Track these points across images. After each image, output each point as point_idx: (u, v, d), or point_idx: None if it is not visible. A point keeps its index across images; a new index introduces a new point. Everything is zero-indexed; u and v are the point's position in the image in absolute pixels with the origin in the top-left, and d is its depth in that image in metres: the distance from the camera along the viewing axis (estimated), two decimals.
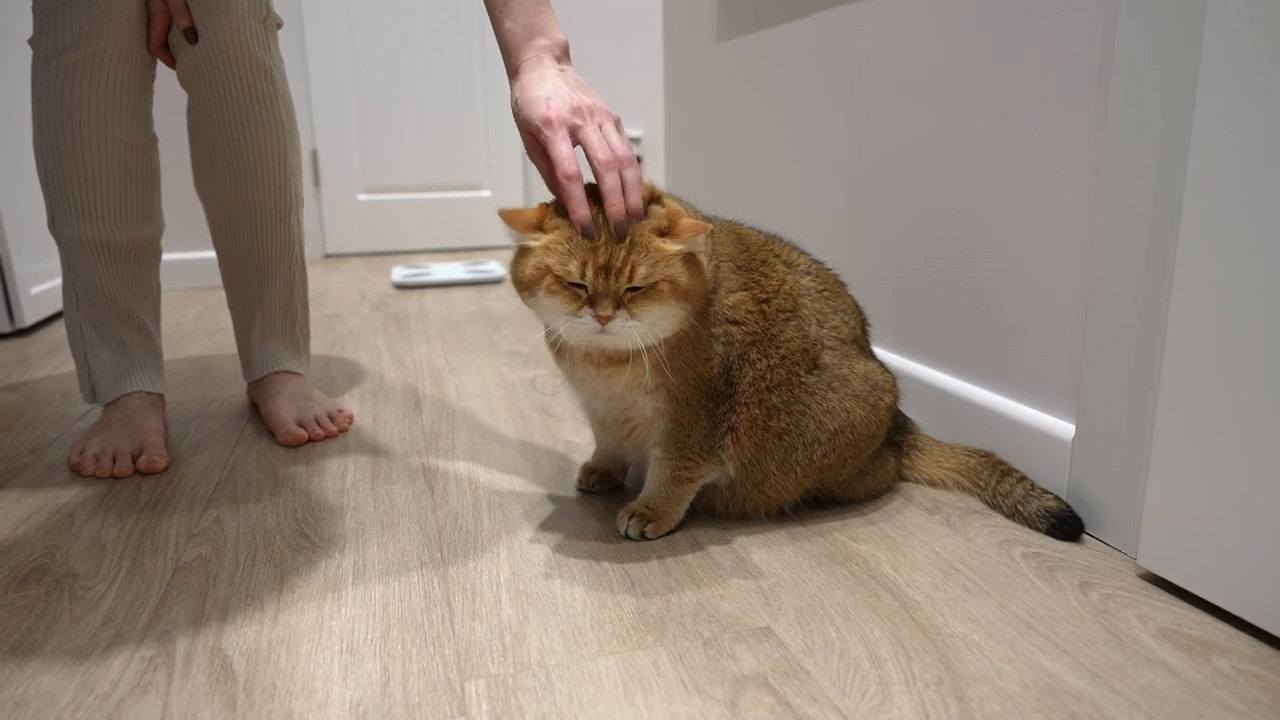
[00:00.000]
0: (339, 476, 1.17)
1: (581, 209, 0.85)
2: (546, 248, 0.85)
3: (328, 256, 3.31)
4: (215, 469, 1.21)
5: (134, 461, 1.20)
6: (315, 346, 1.91)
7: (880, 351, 1.33)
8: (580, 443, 1.29)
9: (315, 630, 0.81)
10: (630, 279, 0.83)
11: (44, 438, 1.36)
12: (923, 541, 0.97)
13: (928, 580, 0.88)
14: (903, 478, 1.13)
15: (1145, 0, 0.84)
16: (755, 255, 0.99)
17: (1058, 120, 1.00)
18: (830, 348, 1.00)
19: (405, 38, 3.22)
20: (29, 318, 2.09)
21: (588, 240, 0.84)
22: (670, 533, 0.99)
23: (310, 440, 1.31)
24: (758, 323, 0.95)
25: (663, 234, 0.85)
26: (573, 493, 1.11)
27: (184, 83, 1.27)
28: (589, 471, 1.12)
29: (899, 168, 1.29)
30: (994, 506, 1.04)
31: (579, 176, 0.86)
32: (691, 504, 1.00)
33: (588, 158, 0.87)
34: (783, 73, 1.60)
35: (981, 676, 0.72)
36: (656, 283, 0.84)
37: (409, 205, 3.36)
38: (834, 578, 0.89)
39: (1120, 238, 0.90)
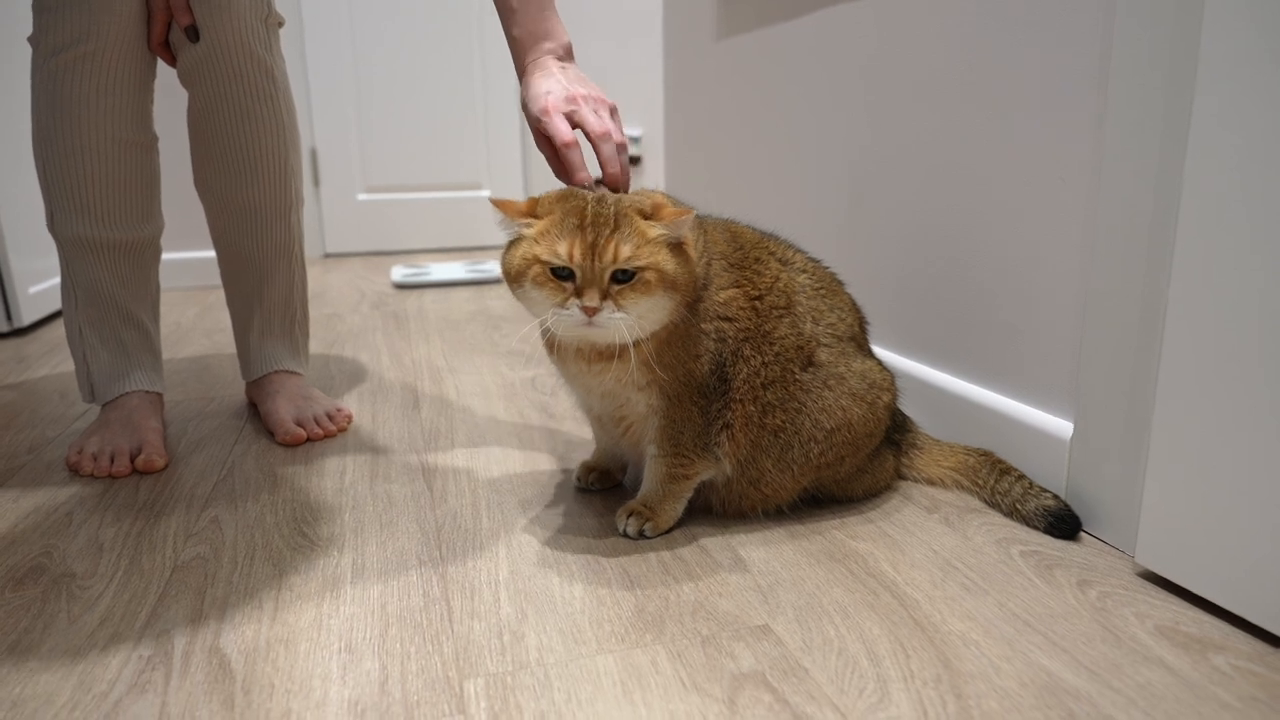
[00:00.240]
0: (338, 475, 1.17)
1: (581, 172, 0.92)
2: (535, 236, 0.86)
3: (327, 256, 3.31)
4: (214, 468, 1.21)
5: (132, 461, 1.20)
6: (314, 346, 1.91)
7: (880, 350, 1.33)
8: (579, 441, 1.29)
9: (314, 629, 0.81)
10: (615, 259, 0.83)
11: (42, 437, 1.36)
12: (921, 540, 0.97)
13: (926, 578, 0.88)
14: (901, 476, 1.13)
15: (1144, 0, 0.84)
16: (749, 253, 0.99)
17: (1057, 120, 1.00)
18: (826, 345, 1.00)
19: (405, 37, 3.22)
20: (27, 317, 2.09)
21: (570, 217, 0.85)
22: (668, 531, 0.99)
23: (309, 439, 1.31)
24: (750, 319, 0.95)
25: (647, 218, 0.87)
26: (571, 491, 1.11)
27: (184, 81, 1.27)
28: (588, 470, 1.12)
29: (899, 167, 1.29)
30: (992, 505, 1.04)
31: (577, 144, 0.92)
32: (690, 502, 1.00)
33: (585, 133, 0.93)
34: (783, 71, 1.60)
35: (979, 674, 0.72)
36: (643, 272, 0.84)
37: (409, 205, 3.36)
38: (832, 576, 0.89)
39: (1119, 237, 0.90)
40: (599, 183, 0.94)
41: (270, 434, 1.34)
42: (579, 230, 0.84)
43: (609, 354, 0.90)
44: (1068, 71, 0.98)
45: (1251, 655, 0.74)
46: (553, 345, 0.95)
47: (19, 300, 2.05)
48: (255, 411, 1.45)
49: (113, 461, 1.19)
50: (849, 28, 1.38)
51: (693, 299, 0.91)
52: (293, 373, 1.41)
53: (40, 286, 2.16)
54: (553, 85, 0.95)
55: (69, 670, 0.75)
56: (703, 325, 0.93)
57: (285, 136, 1.33)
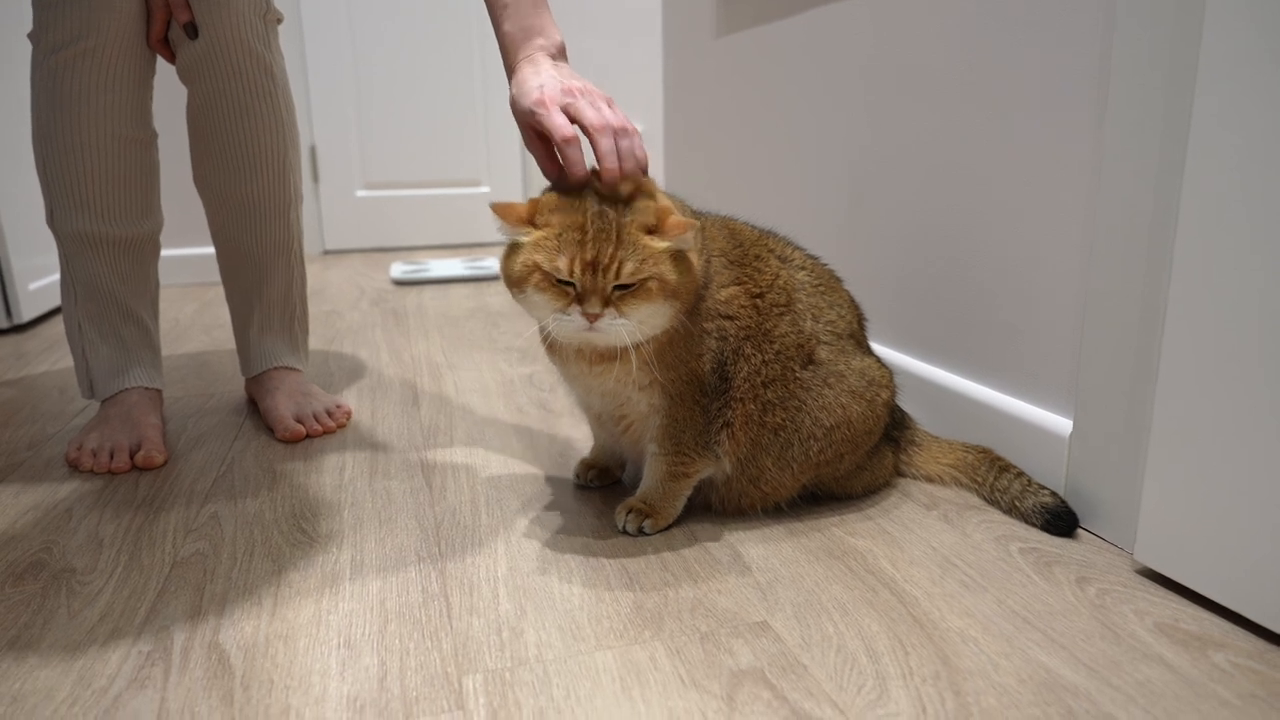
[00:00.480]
0: (337, 472, 1.17)
1: (580, 169, 0.87)
2: (535, 244, 0.85)
3: (326, 253, 3.31)
4: (213, 464, 1.21)
5: (132, 457, 1.20)
6: (314, 342, 1.91)
7: (880, 347, 1.33)
8: (578, 438, 1.29)
9: (313, 625, 0.81)
10: (618, 276, 0.83)
11: (42, 433, 1.36)
12: (920, 537, 0.97)
13: (925, 575, 0.88)
14: (900, 473, 1.13)
15: (1144, 0, 0.84)
16: (748, 250, 0.99)
17: (1057, 119, 1.00)
18: (826, 343, 1.00)
19: (405, 33, 3.22)
20: (27, 314, 2.09)
21: (570, 230, 0.84)
22: (668, 528, 0.99)
23: (308, 436, 1.31)
24: (751, 317, 0.95)
25: (650, 231, 0.85)
26: (570, 488, 1.11)
27: (183, 78, 1.27)
28: (587, 467, 1.12)
29: (899, 165, 1.29)
30: (992, 502, 1.05)
31: (576, 140, 0.88)
32: (689, 500, 1.00)
33: (583, 127, 0.88)
34: (783, 69, 1.60)
35: (978, 671, 0.72)
36: (645, 280, 0.83)
37: (408, 201, 3.36)
38: (831, 573, 0.89)
39: (1119, 235, 0.90)
40: (594, 173, 0.90)
41: (270, 430, 1.34)
42: (580, 245, 0.83)
43: (610, 355, 0.90)
44: (1068, 70, 0.97)
45: (1251, 653, 0.74)
46: (553, 346, 0.95)
47: (19, 297, 2.05)
48: (254, 408, 1.45)
49: (112, 457, 1.19)
50: (849, 26, 1.38)
51: (694, 303, 0.90)
52: (292, 369, 1.41)
53: (40, 283, 2.16)
54: (545, 79, 0.91)
55: (69, 665, 0.75)
56: (704, 324, 0.92)
57: (284, 133, 1.33)
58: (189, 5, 1.20)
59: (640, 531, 0.97)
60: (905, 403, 1.20)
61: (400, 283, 2.67)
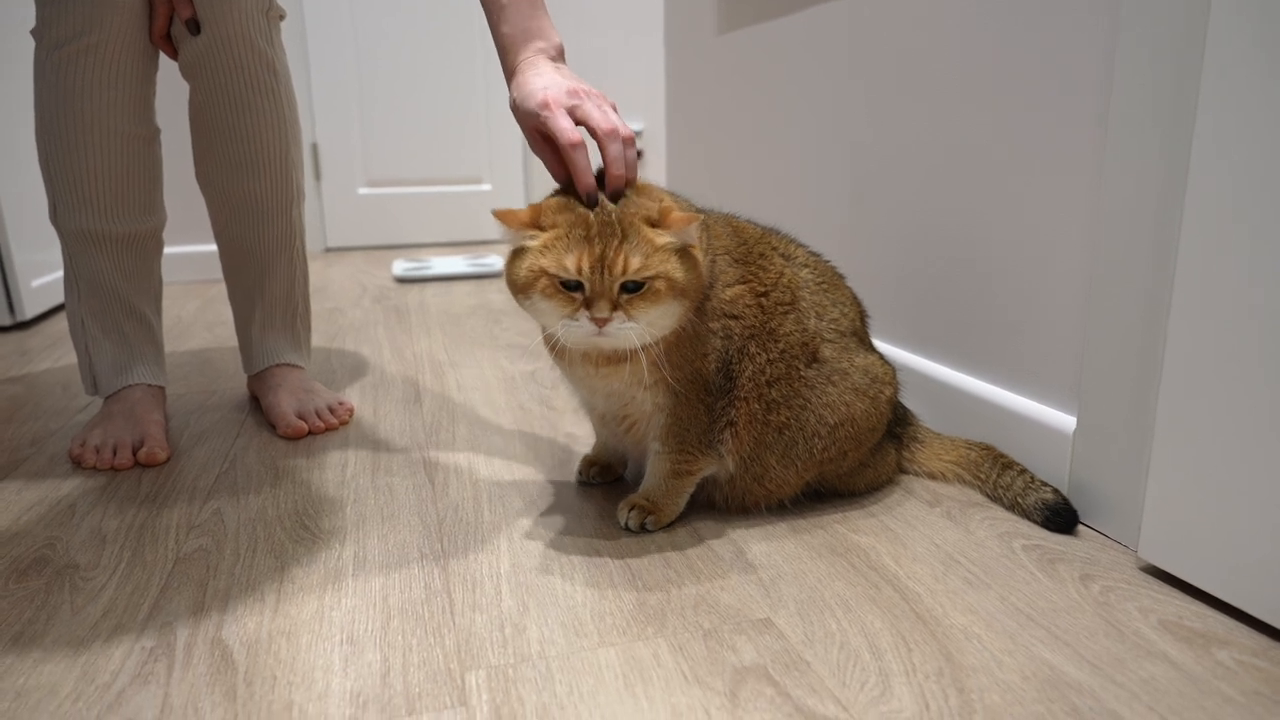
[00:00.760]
0: (339, 469, 1.18)
1: (587, 176, 0.87)
2: (541, 248, 0.84)
3: (328, 250, 3.31)
4: (216, 461, 1.21)
5: (135, 453, 1.20)
6: (316, 339, 1.91)
7: (883, 345, 1.33)
8: (580, 435, 1.29)
9: (316, 621, 0.81)
10: (625, 271, 0.82)
11: (45, 430, 1.36)
12: (923, 534, 0.97)
13: (928, 572, 0.88)
14: (903, 470, 1.13)
15: None
16: (752, 248, 0.98)
17: (1060, 114, 0.99)
18: (829, 340, 0.99)
19: (407, 31, 3.21)
20: (30, 311, 2.09)
21: (575, 229, 0.84)
22: (670, 525, 0.99)
23: (311, 433, 1.31)
24: (756, 316, 0.95)
25: (653, 225, 0.85)
26: (573, 485, 1.11)
27: (186, 74, 1.27)
28: (589, 464, 1.12)
29: (902, 161, 1.29)
30: (995, 499, 1.04)
31: (583, 144, 0.87)
32: (691, 497, 1.00)
33: (590, 130, 0.89)
34: (785, 66, 1.60)
35: (982, 668, 0.72)
36: (653, 281, 0.83)
37: (410, 199, 3.36)
38: (834, 570, 0.89)
39: (1123, 231, 0.89)
40: (599, 177, 0.90)
41: (272, 427, 1.34)
42: (586, 242, 0.83)
43: (618, 358, 0.90)
44: (1072, 65, 0.97)
45: (1255, 650, 0.74)
46: (558, 349, 0.94)
47: (21, 294, 2.06)
48: (257, 405, 1.45)
49: (115, 454, 1.19)
50: (851, 22, 1.37)
51: (701, 301, 0.90)
52: (294, 366, 1.41)
53: (43, 280, 2.16)
54: (549, 81, 0.91)
55: (72, 661, 0.75)
56: (710, 324, 0.92)
57: (287, 130, 1.33)
58: (191, 1, 1.19)
59: (643, 528, 0.97)
60: (909, 400, 1.20)
61: (402, 280, 2.67)
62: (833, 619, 0.80)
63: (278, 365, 1.39)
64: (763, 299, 0.96)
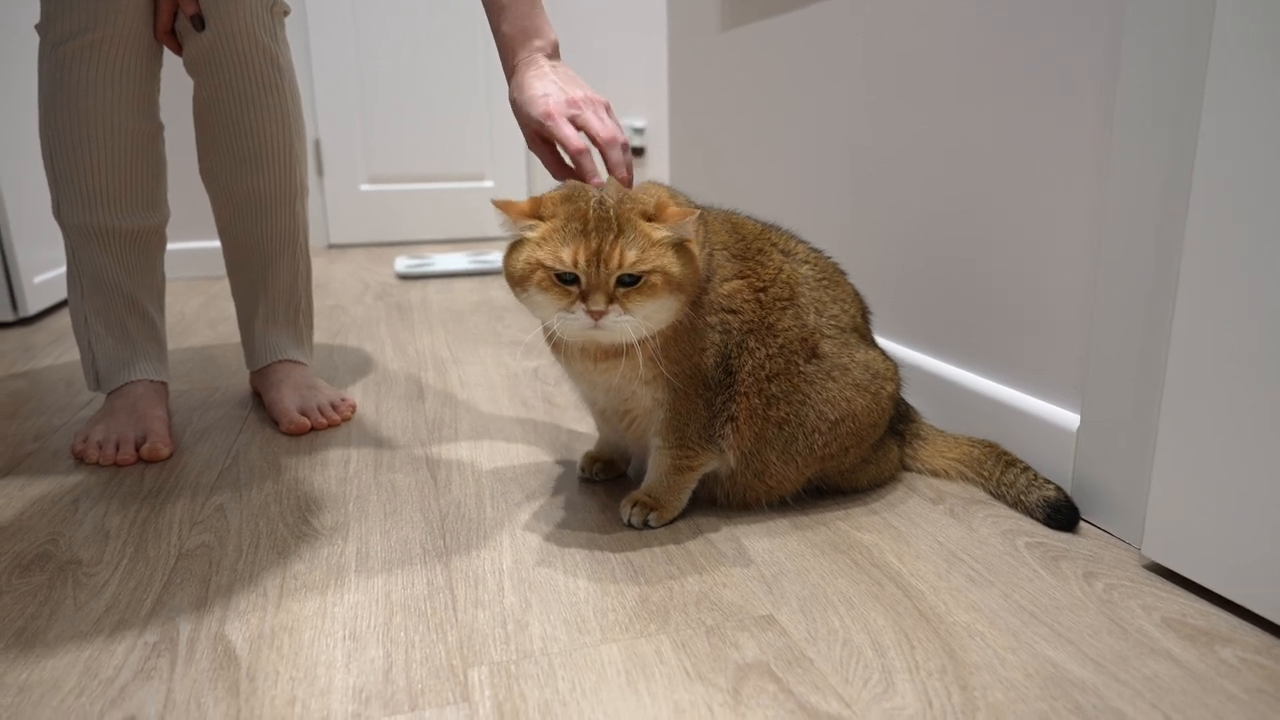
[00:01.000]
0: (342, 465, 1.18)
1: (595, 178, 0.90)
2: (539, 240, 0.85)
3: (331, 247, 3.31)
4: (218, 457, 1.21)
5: (137, 449, 1.20)
6: (318, 336, 1.91)
7: (886, 342, 1.33)
8: (583, 431, 1.29)
9: (318, 617, 0.81)
10: (621, 265, 0.83)
11: (48, 425, 1.36)
12: (926, 531, 0.96)
13: (931, 570, 0.88)
14: (906, 467, 1.13)
15: None
16: (751, 244, 0.98)
17: (1065, 112, 0.99)
18: (829, 336, 0.99)
19: (409, 27, 3.21)
20: (33, 306, 2.09)
21: (573, 221, 0.85)
22: (673, 521, 0.99)
23: (313, 429, 1.31)
24: (754, 311, 0.95)
25: (649, 219, 0.86)
26: (575, 481, 1.11)
27: (190, 70, 1.27)
28: (592, 460, 1.12)
29: (906, 157, 1.28)
30: (998, 497, 1.04)
31: (588, 151, 0.91)
32: (693, 494, 1.00)
33: (591, 137, 0.92)
34: (788, 62, 1.60)
35: (985, 665, 0.72)
36: (649, 275, 0.84)
37: (412, 196, 3.36)
38: (837, 566, 0.89)
39: (1128, 227, 0.89)
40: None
41: (274, 423, 1.34)
42: (582, 235, 0.84)
43: (615, 352, 0.90)
44: (1077, 61, 0.97)
45: (1259, 648, 0.74)
46: (558, 344, 0.94)
47: (25, 289, 2.06)
48: (259, 401, 1.45)
49: (118, 450, 1.19)
50: (855, 19, 1.37)
51: (697, 295, 0.90)
52: (297, 362, 1.41)
53: (46, 276, 2.16)
54: (549, 87, 0.94)
55: (75, 656, 0.75)
56: (708, 318, 0.92)
57: (290, 125, 1.33)
58: None
59: (645, 525, 0.97)
60: (912, 397, 1.20)
61: (404, 277, 2.67)
62: (835, 616, 0.80)
63: (280, 361, 1.39)
64: (761, 294, 0.96)
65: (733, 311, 0.94)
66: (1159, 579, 0.86)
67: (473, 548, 0.94)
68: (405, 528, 0.99)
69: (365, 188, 3.30)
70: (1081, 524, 0.98)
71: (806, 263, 1.03)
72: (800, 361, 0.97)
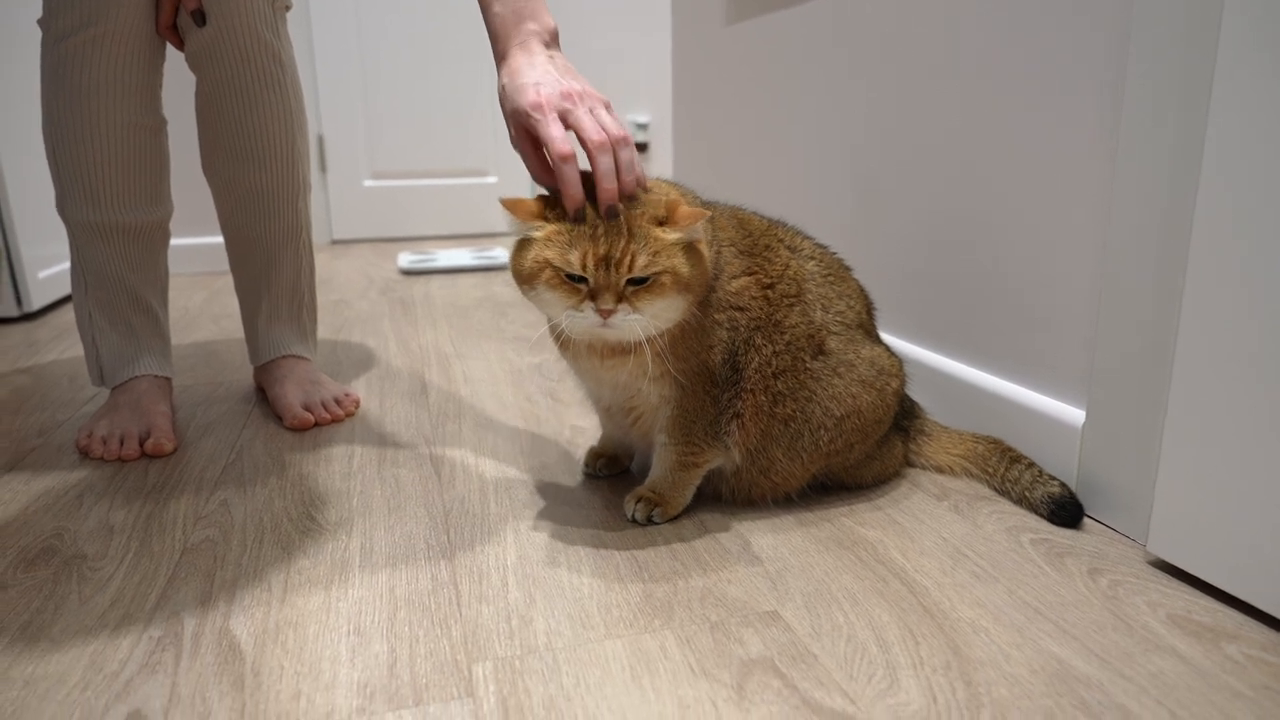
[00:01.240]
0: (346, 460, 1.18)
1: (576, 191, 0.84)
2: (546, 240, 0.84)
3: (334, 242, 3.31)
4: (222, 452, 1.21)
5: (141, 444, 1.20)
6: (322, 331, 1.91)
7: (891, 338, 1.33)
8: (587, 427, 1.28)
9: (323, 612, 0.81)
10: (630, 269, 0.82)
11: (52, 420, 1.36)
12: (931, 527, 0.96)
13: (936, 566, 0.88)
14: (910, 464, 1.13)
15: None
16: (758, 240, 0.98)
17: (1072, 106, 0.99)
18: (835, 333, 0.99)
19: (412, 23, 3.21)
20: (37, 302, 2.09)
21: (581, 225, 0.83)
22: (677, 517, 0.99)
23: (317, 424, 1.31)
24: (762, 308, 0.95)
25: (661, 223, 0.84)
26: (579, 477, 1.11)
27: (192, 65, 1.27)
28: (596, 456, 1.12)
29: (911, 153, 1.28)
30: (1002, 493, 1.04)
31: (574, 157, 0.83)
32: (698, 490, 1.00)
33: (580, 140, 0.84)
34: (793, 56, 1.59)
35: (989, 661, 0.72)
36: (658, 275, 0.83)
37: (416, 191, 3.36)
38: (841, 563, 0.89)
39: (1134, 224, 0.89)
40: (585, 176, 0.86)
41: (278, 418, 1.34)
42: (592, 239, 0.82)
43: (623, 349, 0.90)
44: (1084, 55, 0.96)
45: (1265, 645, 0.74)
46: (564, 341, 0.93)
47: (29, 285, 2.06)
48: (263, 396, 1.45)
49: (122, 445, 1.19)
50: (860, 13, 1.37)
51: (706, 294, 0.90)
52: (301, 358, 1.41)
53: (50, 271, 2.16)
54: (542, 76, 0.85)
55: (80, 651, 0.75)
56: (715, 315, 0.92)
57: (293, 121, 1.32)
58: None
59: (649, 521, 0.97)
60: (917, 393, 1.19)
61: (408, 272, 2.67)
62: (840, 612, 0.80)
63: (284, 357, 1.39)
64: (768, 291, 0.96)
65: (740, 308, 0.94)
66: (1164, 575, 0.85)
67: (477, 543, 0.94)
68: (409, 523, 0.99)
69: (369, 183, 3.30)
70: (1086, 520, 0.98)
71: (813, 259, 1.02)
72: (807, 358, 0.97)
